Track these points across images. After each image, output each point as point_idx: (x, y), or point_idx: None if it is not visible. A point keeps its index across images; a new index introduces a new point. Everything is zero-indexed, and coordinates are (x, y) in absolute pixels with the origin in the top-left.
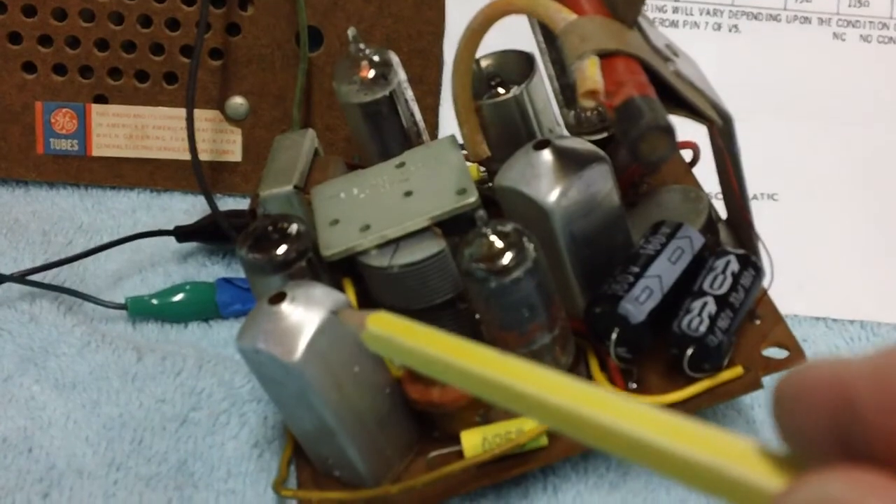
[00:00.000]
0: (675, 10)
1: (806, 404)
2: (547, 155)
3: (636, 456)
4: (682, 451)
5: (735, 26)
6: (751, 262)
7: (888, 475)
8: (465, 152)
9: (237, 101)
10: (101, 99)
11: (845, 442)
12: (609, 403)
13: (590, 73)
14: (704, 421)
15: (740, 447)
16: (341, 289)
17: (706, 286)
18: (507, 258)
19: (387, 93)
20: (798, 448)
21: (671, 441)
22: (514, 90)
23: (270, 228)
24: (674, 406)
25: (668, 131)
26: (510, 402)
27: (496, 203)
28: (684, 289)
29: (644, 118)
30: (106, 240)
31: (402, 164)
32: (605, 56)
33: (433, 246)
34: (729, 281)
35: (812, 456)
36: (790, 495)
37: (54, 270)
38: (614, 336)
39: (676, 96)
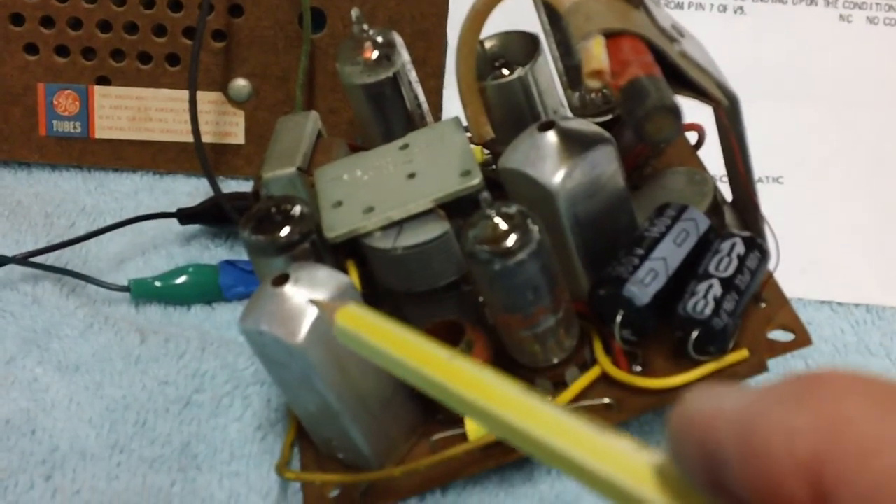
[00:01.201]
0: None
1: (683, 441)
2: (551, 136)
3: (562, 468)
4: (597, 467)
5: (741, 8)
6: (756, 244)
7: None
8: (468, 134)
9: (240, 83)
10: (103, 81)
11: (716, 479)
12: (544, 418)
13: (595, 53)
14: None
15: (646, 466)
16: (345, 270)
17: (711, 269)
18: (512, 240)
19: (390, 74)
20: (686, 475)
21: (591, 457)
22: (519, 71)
23: (273, 210)
24: (679, 389)
25: (674, 111)
26: (459, 408)
27: (500, 185)
28: (689, 271)
29: (650, 98)
30: (108, 222)
31: (405, 146)
32: (611, 36)
33: (437, 228)
34: (734, 263)
35: (696, 484)
36: None
37: (57, 252)
38: (619, 319)
39: (682, 77)
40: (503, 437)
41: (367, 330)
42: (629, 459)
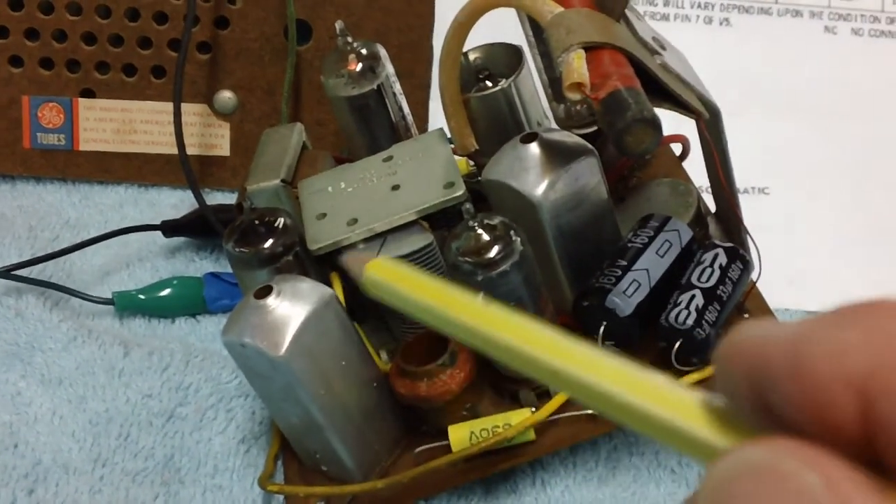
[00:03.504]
0: (667, 4)
1: (732, 366)
2: (534, 148)
3: (599, 406)
4: (640, 404)
5: (726, 20)
6: (739, 255)
7: (802, 440)
8: (453, 146)
9: (225, 95)
10: (88, 93)
11: (764, 403)
12: (581, 356)
13: (575, 66)
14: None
15: (691, 401)
16: (329, 283)
17: (694, 279)
18: (494, 252)
19: (374, 86)
20: (733, 405)
21: (631, 394)
22: (502, 83)
23: (257, 222)
24: None
25: (654, 123)
26: (492, 351)
27: (484, 197)
28: (672, 282)
29: (629, 110)
30: (93, 234)
31: (389, 158)
32: (591, 49)
33: (421, 240)
34: (717, 274)
35: (744, 412)
36: (720, 464)
37: (40, 265)
38: (602, 329)
39: (663, 89)
40: (542, 378)
41: (399, 279)
42: (674, 394)
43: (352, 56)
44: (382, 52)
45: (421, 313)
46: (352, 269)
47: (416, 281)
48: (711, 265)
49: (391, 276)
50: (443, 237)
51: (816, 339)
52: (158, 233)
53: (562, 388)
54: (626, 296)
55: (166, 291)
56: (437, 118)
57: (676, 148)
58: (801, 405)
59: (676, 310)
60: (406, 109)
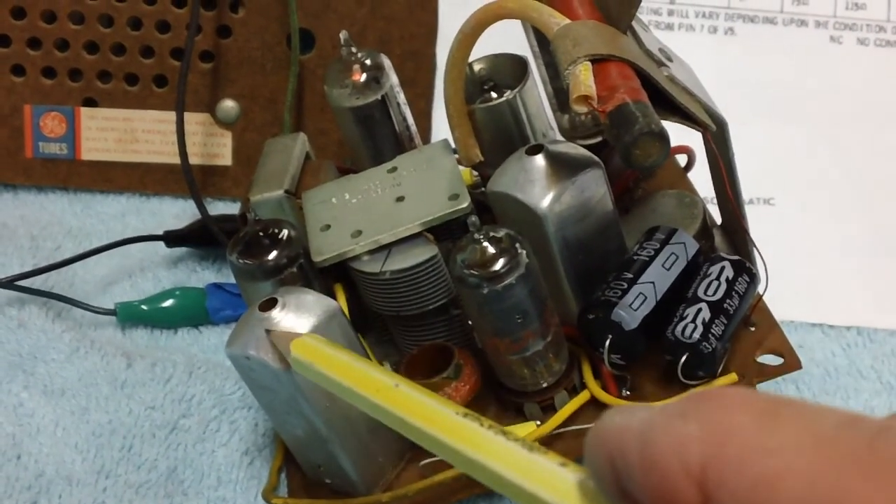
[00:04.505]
0: (671, 13)
1: (596, 454)
2: (540, 160)
3: (491, 484)
4: (527, 486)
5: (731, 29)
6: (745, 267)
7: None
8: (457, 157)
9: (228, 105)
10: (90, 102)
11: (624, 489)
12: (477, 438)
13: (582, 79)
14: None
15: (571, 483)
16: (333, 295)
17: (700, 292)
18: (500, 264)
19: (378, 97)
20: (602, 489)
21: (518, 475)
22: (508, 94)
23: (261, 234)
24: None
25: (662, 137)
26: (404, 431)
27: (489, 208)
28: (678, 295)
29: (637, 124)
30: (95, 244)
31: (394, 169)
32: (598, 61)
33: (425, 252)
34: (723, 287)
35: (613, 497)
36: None
37: (43, 276)
38: (608, 343)
39: (670, 102)
40: (442, 455)
41: (320, 360)
42: (552, 476)
43: (356, 66)
44: (386, 62)
45: (341, 392)
46: (278, 345)
47: (336, 361)
48: (718, 278)
49: (313, 356)
50: (448, 249)
51: (662, 430)
52: (161, 243)
53: (463, 468)
54: (633, 309)
55: (169, 302)
56: (441, 127)
57: (682, 159)
58: (651, 492)
59: (683, 323)
60: (410, 120)
